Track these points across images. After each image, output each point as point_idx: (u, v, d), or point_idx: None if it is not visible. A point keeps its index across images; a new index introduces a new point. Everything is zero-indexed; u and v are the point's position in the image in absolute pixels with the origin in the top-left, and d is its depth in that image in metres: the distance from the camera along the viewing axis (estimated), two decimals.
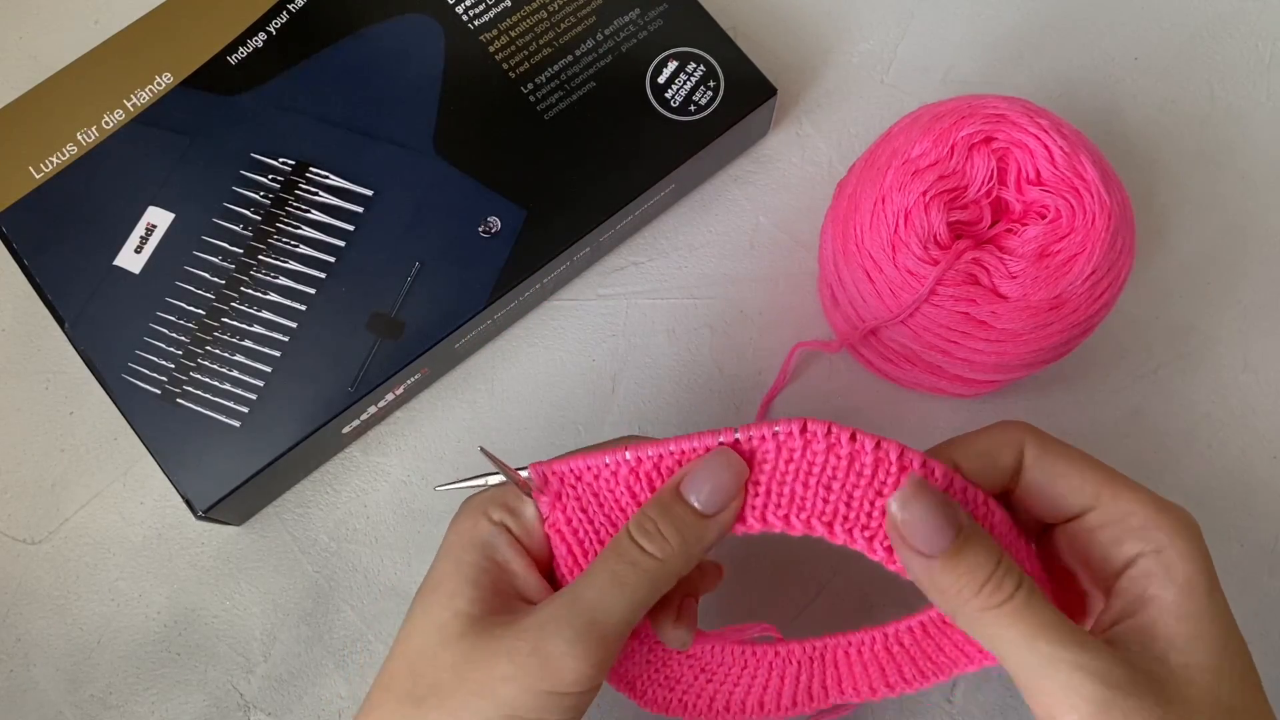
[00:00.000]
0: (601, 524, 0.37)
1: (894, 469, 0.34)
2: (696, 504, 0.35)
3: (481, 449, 0.37)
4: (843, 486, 0.35)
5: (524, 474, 0.37)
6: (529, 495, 0.38)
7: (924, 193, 0.43)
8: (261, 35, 0.52)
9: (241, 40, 0.52)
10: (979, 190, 0.44)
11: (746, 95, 0.52)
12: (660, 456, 0.36)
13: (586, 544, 0.37)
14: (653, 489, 0.37)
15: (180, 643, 0.50)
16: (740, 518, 0.36)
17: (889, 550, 0.35)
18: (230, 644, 0.50)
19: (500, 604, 0.36)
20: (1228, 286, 0.54)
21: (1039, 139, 0.44)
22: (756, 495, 0.35)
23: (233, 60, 0.52)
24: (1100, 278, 0.43)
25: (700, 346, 0.53)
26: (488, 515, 0.37)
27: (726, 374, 0.53)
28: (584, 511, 0.37)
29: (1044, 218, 0.44)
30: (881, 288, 0.45)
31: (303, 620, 0.50)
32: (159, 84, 0.51)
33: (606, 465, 0.37)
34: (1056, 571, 0.38)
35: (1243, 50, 0.57)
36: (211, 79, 0.51)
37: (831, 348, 0.50)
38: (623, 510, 0.37)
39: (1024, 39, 0.57)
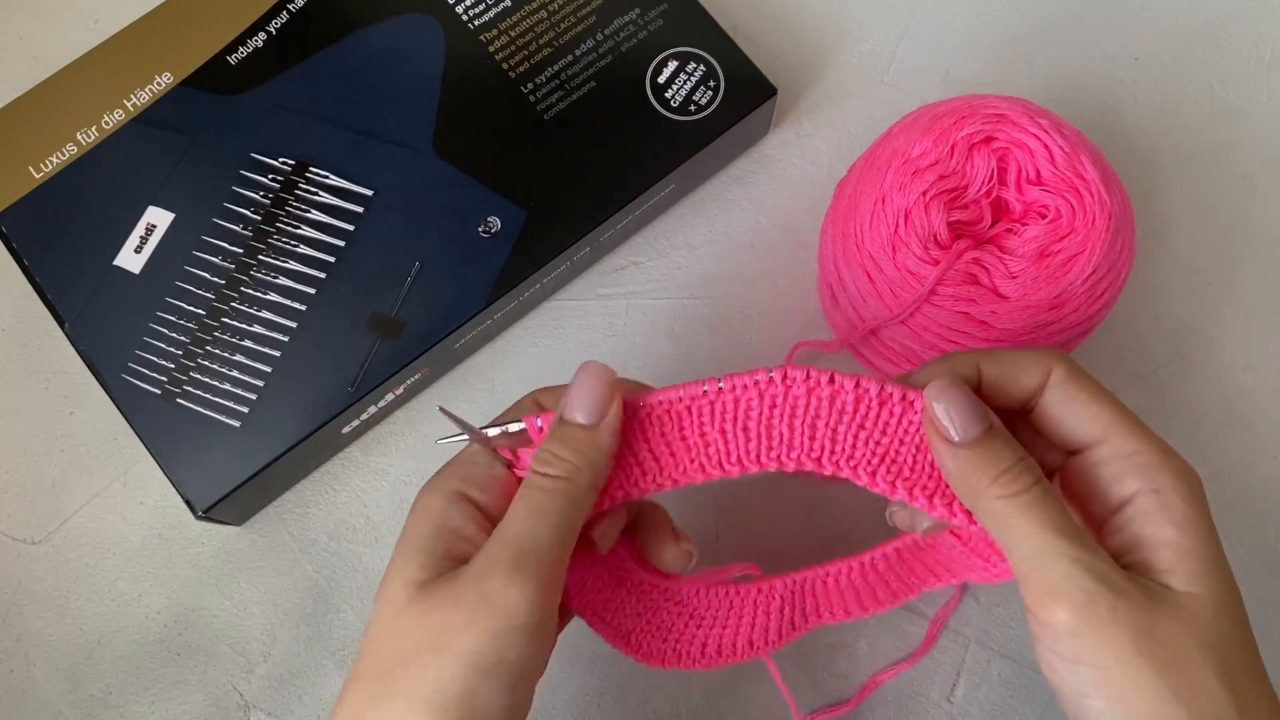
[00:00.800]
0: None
1: (874, 403, 0.37)
2: (581, 420, 0.37)
3: (440, 408, 0.38)
4: (827, 424, 0.37)
5: (492, 431, 0.39)
6: (494, 452, 0.39)
7: (924, 193, 0.43)
8: (261, 35, 0.52)
9: (241, 40, 0.52)
10: (979, 190, 0.44)
11: (746, 95, 0.52)
12: (648, 412, 0.38)
13: None
14: (642, 437, 0.38)
15: (180, 642, 0.50)
16: (739, 464, 0.38)
17: (872, 475, 0.37)
18: (230, 644, 0.50)
19: (451, 567, 0.36)
20: (1227, 287, 0.54)
21: (1039, 139, 0.44)
22: (750, 441, 0.37)
23: (233, 60, 0.52)
24: (1100, 278, 0.43)
25: (700, 346, 0.53)
26: (442, 490, 0.38)
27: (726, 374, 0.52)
28: None
29: (1044, 218, 0.44)
30: (882, 287, 0.45)
31: (303, 620, 0.50)
32: (159, 84, 0.51)
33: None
34: None
35: (1243, 50, 0.57)
36: (212, 79, 0.51)
37: (831, 348, 0.50)
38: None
39: (1024, 39, 0.57)
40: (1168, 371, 0.53)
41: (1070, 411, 0.36)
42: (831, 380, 0.37)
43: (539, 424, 0.38)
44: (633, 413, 0.38)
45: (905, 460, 0.37)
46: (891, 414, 0.37)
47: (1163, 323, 0.53)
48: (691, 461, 0.38)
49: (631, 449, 0.39)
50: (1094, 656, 0.33)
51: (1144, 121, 0.56)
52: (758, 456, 0.38)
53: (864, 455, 0.37)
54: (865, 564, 0.43)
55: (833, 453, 0.37)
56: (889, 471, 0.37)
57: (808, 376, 0.37)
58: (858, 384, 0.37)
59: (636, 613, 0.43)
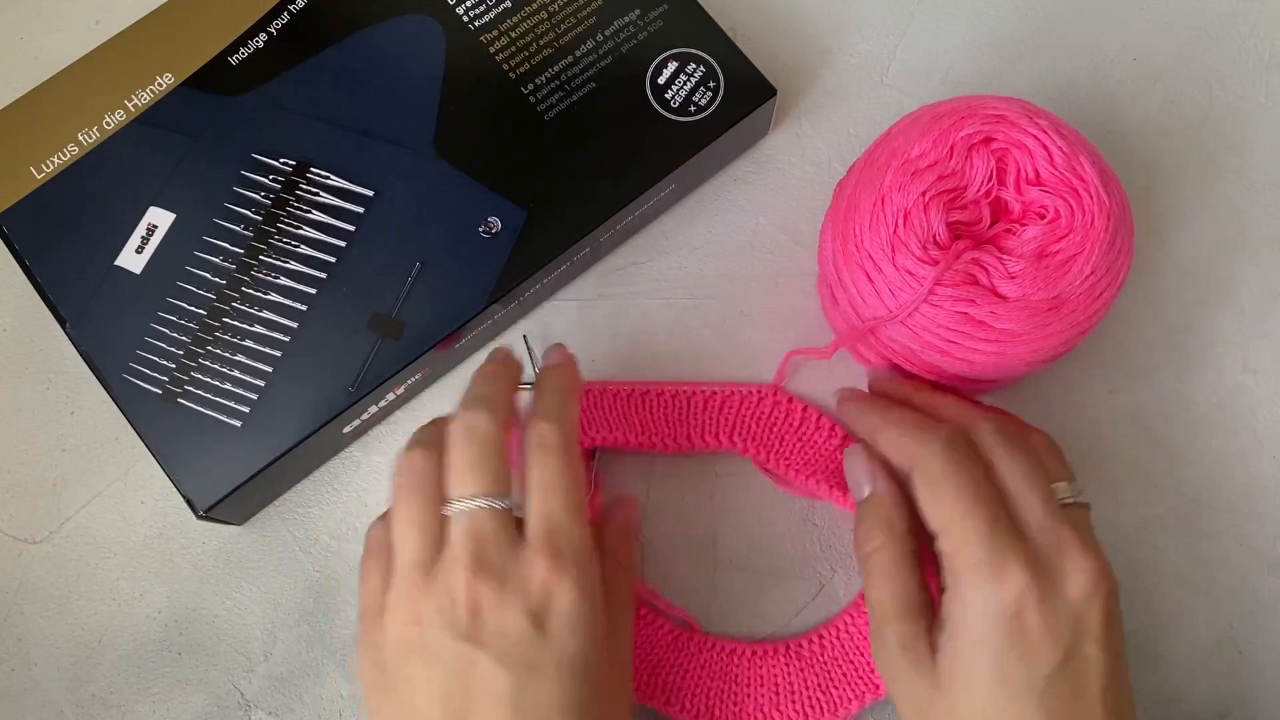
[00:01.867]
0: (590, 418, 0.51)
1: (812, 426, 0.51)
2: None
3: (524, 336, 0.52)
4: (778, 429, 0.51)
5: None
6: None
7: (923, 193, 0.43)
8: (262, 35, 0.52)
9: (243, 40, 0.52)
10: (978, 191, 0.44)
11: (746, 96, 0.52)
12: (645, 392, 0.51)
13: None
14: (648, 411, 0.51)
15: (181, 642, 0.50)
16: (715, 442, 0.50)
17: (796, 470, 0.50)
18: (231, 643, 0.50)
19: None
20: (1227, 287, 0.54)
21: (1038, 139, 0.44)
22: (725, 428, 0.50)
23: (234, 60, 0.52)
24: (1099, 278, 0.43)
25: (700, 346, 0.53)
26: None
27: (726, 374, 0.53)
28: (592, 407, 0.51)
29: (1043, 218, 0.44)
30: (881, 288, 0.45)
31: (304, 619, 0.50)
32: (160, 84, 0.51)
33: (621, 387, 0.51)
34: None
35: (1243, 50, 0.57)
36: (212, 79, 0.51)
37: (824, 354, 0.50)
38: (617, 414, 0.51)
39: (1024, 39, 0.58)
40: (1167, 371, 0.53)
41: (921, 508, 0.41)
42: (790, 401, 0.51)
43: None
44: (645, 393, 0.51)
45: (810, 459, 0.50)
46: (819, 434, 0.50)
47: (1162, 323, 0.53)
48: (684, 435, 0.50)
49: (640, 417, 0.50)
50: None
51: (1143, 122, 0.56)
52: (729, 439, 0.50)
53: (793, 456, 0.50)
54: (791, 647, 0.49)
55: (776, 449, 0.50)
56: (804, 468, 0.50)
57: (775, 393, 0.51)
58: (804, 409, 0.51)
59: None
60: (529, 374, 0.51)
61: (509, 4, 0.53)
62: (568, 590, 0.36)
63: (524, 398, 0.51)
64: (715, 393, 0.51)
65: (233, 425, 0.47)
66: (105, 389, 0.48)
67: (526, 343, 0.52)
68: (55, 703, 0.49)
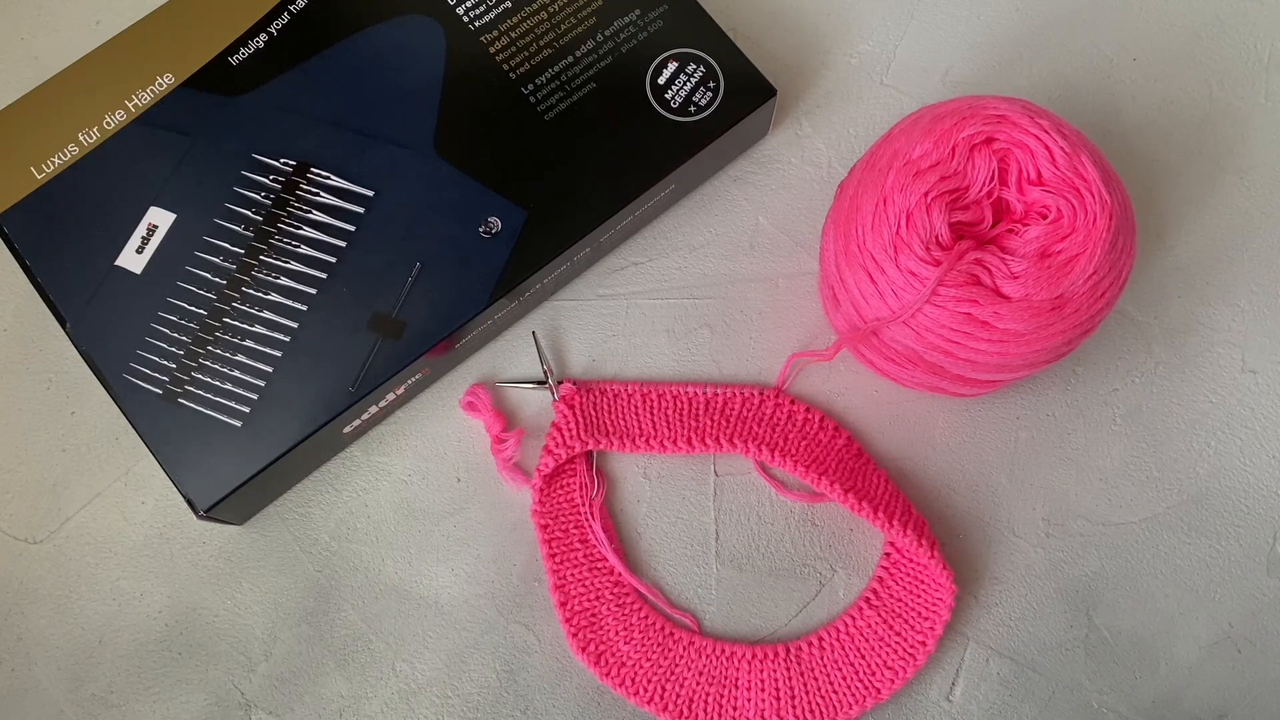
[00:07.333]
0: (593, 418, 0.51)
1: (815, 425, 0.51)
2: None
3: (533, 333, 0.52)
4: (780, 427, 0.51)
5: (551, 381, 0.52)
6: (552, 390, 0.51)
7: (925, 194, 0.43)
8: (263, 36, 0.52)
9: (243, 41, 0.52)
10: (980, 191, 0.44)
11: (746, 96, 0.52)
12: (647, 393, 0.52)
13: (576, 429, 0.50)
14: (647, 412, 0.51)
15: (182, 642, 0.50)
16: (715, 444, 0.50)
17: (794, 465, 0.49)
18: (231, 643, 0.50)
19: None
20: (1227, 287, 0.54)
21: (1040, 139, 0.44)
22: (726, 427, 0.50)
23: (234, 61, 0.52)
24: (1101, 277, 0.43)
25: (700, 346, 0.53)
26: None
27: (726, 374, 0.53)
28: (593, 408, 0.51)
29: (1045, 218, 0.44)
30: (884, 288, 0.45)
31: (304, 619, 0.50)
32: (160, 84, 0.51)
33: (624, 388, 0.52)
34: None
35: (1242, 50, 0.57)
36: (213, 80, 0.51)
37: (826, 356, 0.50)
38: (620, 416, 0.51)
39: (1024, 39, 0.58)
40: (1166, 371, 0.53)
41: None
42: (793, 403, 0.52)
43: (572, 384, 0.51)
44: (646, 394, 0.51)
45: (818, 458, 0.50)
46: (822, 434, 0.51)
47: (1162, 323, 0.53)
48: (682, 435, 0.50)
49: (638, 419, 0.51)
50: None
51: (1143, 122, 0.56)
52: (730, 440, 0.50)
53: (797, 457, 0.49)
54: (791, 650, 0.49)
55: (779, 449, 0.49)
56: (804, 464, 0.49)
57: (777, 394, 0.52)
58: (807, 410, 0.51)
59: (581, 586, 0.50)
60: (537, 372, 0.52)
61: (509, 4, 0.53)
62: None
63: (533, 396, 0.51)
64: (717, 394, 0.51)
65: (233, 425, 0.47)
66: (105, 389, 0.48)
67: (536, 340, 0.52)
68: (56, 702, 0.49)
